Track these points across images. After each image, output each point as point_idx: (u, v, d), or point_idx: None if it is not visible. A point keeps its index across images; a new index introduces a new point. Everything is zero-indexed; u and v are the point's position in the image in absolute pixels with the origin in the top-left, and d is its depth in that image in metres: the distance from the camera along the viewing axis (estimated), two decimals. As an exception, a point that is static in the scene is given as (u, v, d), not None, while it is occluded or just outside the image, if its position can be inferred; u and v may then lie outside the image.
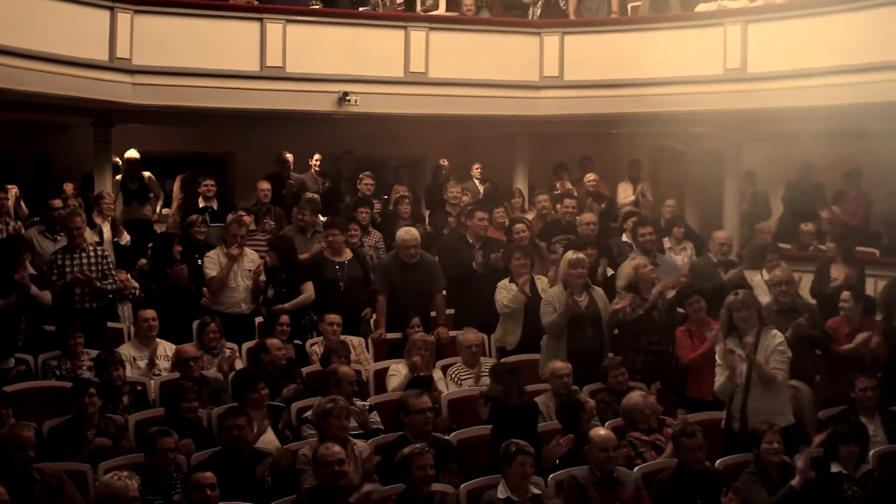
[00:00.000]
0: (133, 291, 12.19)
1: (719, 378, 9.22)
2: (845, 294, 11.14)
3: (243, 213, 13.17)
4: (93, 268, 11.15)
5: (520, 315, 11.39)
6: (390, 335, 11.60)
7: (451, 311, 12.41)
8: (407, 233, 11.93)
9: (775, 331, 9.24)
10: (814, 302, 11.88)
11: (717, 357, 9.28)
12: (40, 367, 10.54)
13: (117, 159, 15.62)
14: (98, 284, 11.09)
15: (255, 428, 8.78)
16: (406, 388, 9.66)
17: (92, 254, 11.27)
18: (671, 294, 10.94)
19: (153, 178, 15.41)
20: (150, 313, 10.89)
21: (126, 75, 14.28)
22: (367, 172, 15.25)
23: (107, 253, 11.59)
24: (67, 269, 11.06)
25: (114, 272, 11.46)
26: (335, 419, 8.32)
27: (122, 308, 12.12)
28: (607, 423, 9.25)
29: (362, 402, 9.51)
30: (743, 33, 14.65)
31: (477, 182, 16.59)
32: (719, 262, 12.28)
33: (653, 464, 8.73)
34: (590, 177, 16.23)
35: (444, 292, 12.10)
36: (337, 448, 7.75)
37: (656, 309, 10.77)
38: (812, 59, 13.80)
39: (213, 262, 11.76)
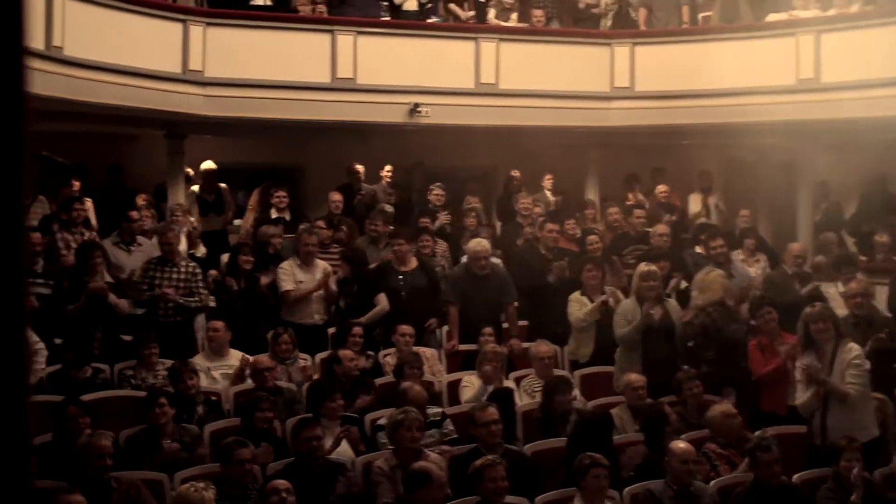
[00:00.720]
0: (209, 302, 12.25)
1: (801, 395, 9.12)
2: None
3: (322, 224, 13.27)
4: (181, 283, 11.24)
5: (592, 328, 11.36)
6: (463, 346, 11.60)
7: (524, 323, 12.39)
8: (478, 244, 11.91)
9: (852, 344, 9.13)
10: (890, 315, 11.74)
11: (797, 373, 9.17)
12: (116, 376, 10.62)
13: (189, 170, 15.74)
14: (182, 301, 11.17)
15: (331, 440, 8.86)
16: (488, 400, 9.59)
17: (183, 268, 11.36)
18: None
19: (228, 188, 15.51)
20: (218, 324, 10.96)
21: (198, 87, 14.40)
22: (438, 184, 15.29)
23: (198, 270, 11.63)
24: (157, 282, 11.16)
25: (202, 290, 11.54)
26: (406, 430, 8.32)
27: (196, 319, 12.18)
28: (683, 437, 9.17)
29: (435, 410, 9.57)
30: (816, 43, 14.51)
31: (548, 193, 16.55)
32: (794, 275, 12.17)
33: (729, 478, 8.63)
34: (661, 188, 16.18)
35: (517, 304, 12.03)
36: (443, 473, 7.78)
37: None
38: (886, 68, 13.62)
39: (286, 274, 11.79)
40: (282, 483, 7.48)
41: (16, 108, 1.77)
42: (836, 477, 8.43)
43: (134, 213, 12.75)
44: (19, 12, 1.78)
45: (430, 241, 12.93)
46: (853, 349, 9.07)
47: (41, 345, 9.71)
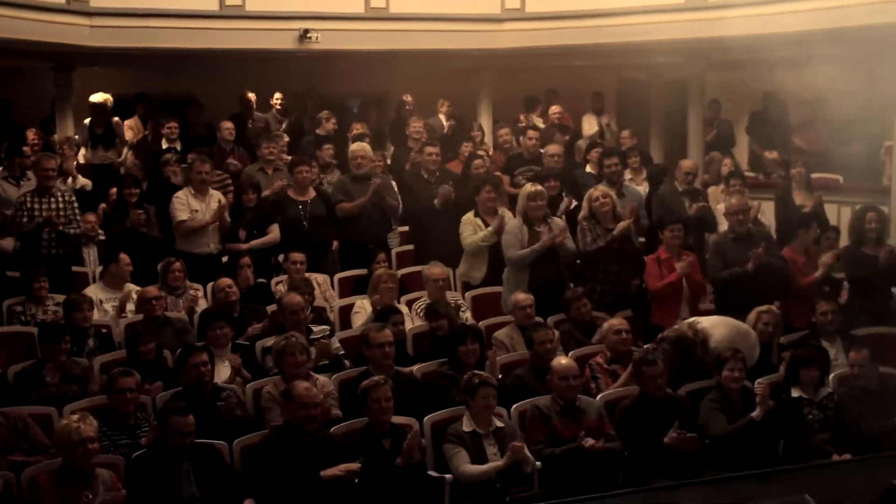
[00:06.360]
0: (98, 235, 12.17)
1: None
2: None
3: (207, 151, 13.15)
4: (61, 212, 11.13)
5: (486, 250, 11.34)
6: (354, 272, 11.67)
7: (411, 247, 12.61)
8: (358, 146, 12.39)
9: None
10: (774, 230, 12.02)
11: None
12: (5, 312, 10.53)
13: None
14: (62, 228, 11.06)
15: (229, 367, 8.94)
16: (374, 320, 9.68)
17: (60, 198, 11.23)
18: (627, 223, 10.87)
19: (120, 122, 15.29)
20: (126, 258, 10.86)
21: (84, 17, 14.10)
22: (327, 111, 15.26)
23: (73, 198, 11.52)
24: (37, 213, 11.03)
25: (79, 217, 11.43)
26: (290, 356, 8.39)
27: (87, 252, 12.10)
28: (571, 353, 9.33)
29: (321, 327, 9.61)
30: (705, -41, 14.59)
31: (443, 118, 16.53)
32: (684, 192, 12.31)
33: (615, 392, 8.83)
34: (554, 109, 16.28)
35: (406, 228, 12.16)
36: (315, 390, 7.82)
37: (623, 241, 10.76)
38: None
39: (182, 204, 11.67)
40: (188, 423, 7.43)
41: None
42: (719, 387, 8.64)
43: (27, 150, 12.65)
44: None
45: (315, 168, 12.86)
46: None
47: None
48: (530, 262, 10.59)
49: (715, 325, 9.29)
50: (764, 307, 9.80)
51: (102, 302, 10.66)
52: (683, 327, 9.32)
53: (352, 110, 17.78)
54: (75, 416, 7.12)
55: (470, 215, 11.48)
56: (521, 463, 7.84)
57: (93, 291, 10.71)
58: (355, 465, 7.51)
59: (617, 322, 9.53)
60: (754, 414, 8.33)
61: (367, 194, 11.90)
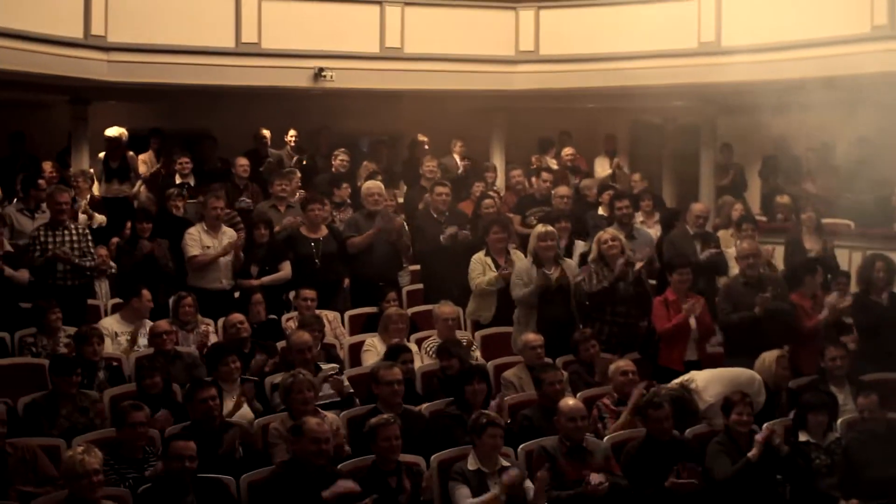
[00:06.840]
0: (111, 268, 12.21)
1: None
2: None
3: (220, 187, 13.22)
4: (74, 245, 11.16)
5: (494, 291, 11.40)
6: (365, 309, 11.70)
7: (421, 286, 12.67)
8: (372, 184, 12.62)
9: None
10: (784, 274, 12.02)
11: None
12: (17, 343, 10.56)
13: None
14: (76, 261, 11.10)
15: (234, 401, 8.93)
16: (385, 358, 9.71)
17: (74, 231, 11.26)
18: (639, 266, 10.94)
19: (134, 156, 15.36)
20: (147, 294, 10.95)
21: (101, 52, 14.22)
22: (342, 149, 15.31)
23: (87, 231, 11.56)
24: (50, 246, 11.05)
25: (93, 250, 11.47)
26: (297, 393, 8.39)
27: (99, 285, 12.15)
28: (579, 395, 9.34)
29: (330, 365, 9.62)
30: (717, 6, 14.73)
31: (457, 158, 16.59)
32: (696, 235, 12.34)
33: (622, 433, 8.83)
34: (567, 151, 16.33)
35: (417, 266, 12.27)
36: (326, 427, 7.81)
37: (623, 281, 10.74)
38: (785, 32, 13.84)
39: (193, 240, 11.76)
40: (188, 447, 7.45)
41: None
42: (726, 431, 8.64)
43: (42, 182, 12.71)
44: None
45: (328, 206, 12.96)
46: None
47: None
48: (533, 300, 10.65)
49: (710, 383, 9.32)
50: (779, 351, 9.83)
51: (118, 335, 10.72)
52: (676, 388, 9.34)
53: (361, 149, 17.82)
54: (80, 448, 7.14)
55: (480, 254, 11.54)
56: (519, 491, 7.84)
57: (109, 324, 10.81)
58: (355, 486, 7.52)
59: (623, 363, 9.55)
60: (750, 454, 8.35)
61: (375, 226, 11.99)
